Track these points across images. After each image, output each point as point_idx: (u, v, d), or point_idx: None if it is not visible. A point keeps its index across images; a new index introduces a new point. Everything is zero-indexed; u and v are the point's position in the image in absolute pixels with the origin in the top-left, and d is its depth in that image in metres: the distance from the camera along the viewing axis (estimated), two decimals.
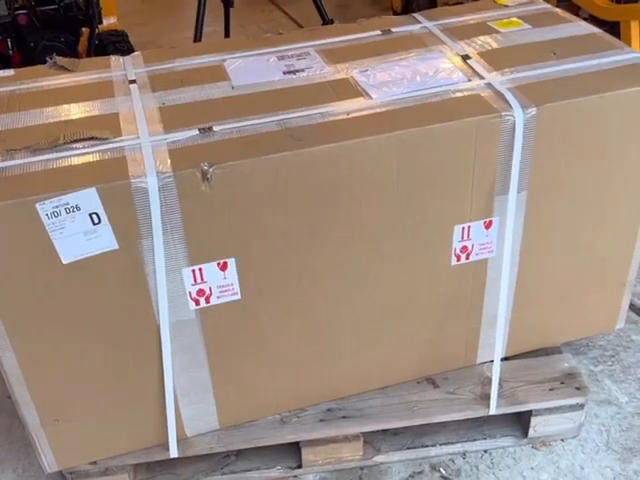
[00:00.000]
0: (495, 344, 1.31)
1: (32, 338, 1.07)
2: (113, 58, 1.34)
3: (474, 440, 1.39)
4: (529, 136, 1.13)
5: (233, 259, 1.10)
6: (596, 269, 1.35)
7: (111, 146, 1.06)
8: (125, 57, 1.35)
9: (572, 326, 1.43)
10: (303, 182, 1.07)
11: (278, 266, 1.14)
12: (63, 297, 1.05)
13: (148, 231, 1.03)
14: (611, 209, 1.28)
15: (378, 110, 1.13)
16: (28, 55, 2.33)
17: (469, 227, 1.20)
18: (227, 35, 2.27)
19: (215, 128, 1.09)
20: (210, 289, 1.12)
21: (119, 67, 1.30)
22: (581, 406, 1.35)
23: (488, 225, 1.21)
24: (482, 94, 1.15)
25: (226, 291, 1.13)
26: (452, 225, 1.19)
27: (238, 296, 1.14)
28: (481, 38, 1.33)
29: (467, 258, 1.23)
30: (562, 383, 1.36)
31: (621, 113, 1.17)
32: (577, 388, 1.35)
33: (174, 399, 1.20)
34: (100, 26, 2.40)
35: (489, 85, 1.17)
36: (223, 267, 1.10)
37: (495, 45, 1.30)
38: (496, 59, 1.25)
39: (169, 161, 1.02)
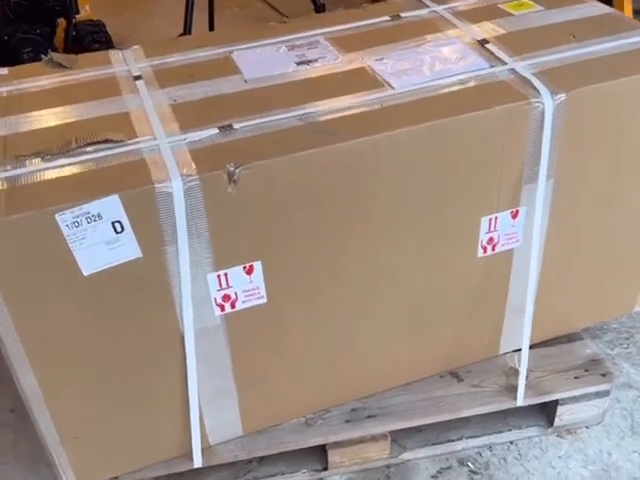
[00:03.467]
0: (522, 334, 1.29)
1: (52, 355, 1.01)
2: (112, 53, 1.27)
3: (499, 432, 1.36)
4: (557, 122, 1.10)
5: (259, 262, 1.05)
6: (617, 253, 1.33)
7: (128, 149, 1.00)
8: (125, 51, 1.28)
9: (594, 310, 1.42)
10: (332, 179, 1.02)
11: (304, 266, 1.09)
12: (84, 311, 0.99)
13: (173, 237, 0.98)
14: (632, 193, 1.26)
15: (403, 100, 1.08)
16: (3, 48, 2.23)
17: (496, 218, 1.17)
18: (211, 25, 2.18)
19: (235, 125, 1.04)
20: (236, 294, 1.07)
21: (120, 62, 1.24)
22: (607, 393, 1.34)
23: (515, 215, 1.18)
24: (507, 80, 1.12)
25: (252, 295, 1.08)
26: (479, 217, 1.16)
27: (264, 299, 1.09)
28: (495, 21, 1.29)
29: (493, 249, 1.20)
30: (586, 370, 1.35)
31: None
32: (602, 375, 1.34)
33: (198, 408, 1.16)
34: (77, 16, 2.31)
35: (513, 71, 1.14)
36: (249, 271, 1.06)
37: (511, 28, 1.26)
38: (514, 43, 1.21)
39: (192, 163, 0.97)
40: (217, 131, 1.03)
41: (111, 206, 0.92)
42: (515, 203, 1.16)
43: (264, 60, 1.22)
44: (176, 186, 0.94)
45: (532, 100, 1.07)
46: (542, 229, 1.20)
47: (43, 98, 1.14)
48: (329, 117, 1.05)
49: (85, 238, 0.93)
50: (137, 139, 1.02)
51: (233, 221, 1.00)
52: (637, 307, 1.46)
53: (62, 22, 2.31)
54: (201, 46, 1.28)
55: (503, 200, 1.15)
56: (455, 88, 1.10)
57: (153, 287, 1.02)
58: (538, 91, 1.08)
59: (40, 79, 1.20)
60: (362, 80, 1.14)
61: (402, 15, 1.34)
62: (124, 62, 1.24)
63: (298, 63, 1.20)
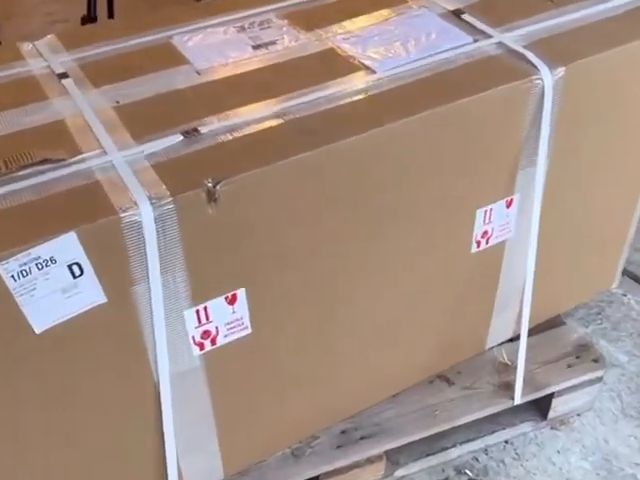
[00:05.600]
0: (508, 326, 1.20)
1: (7, 422, 0.82)
2: (24, 45, 1.05)
3: (492, 432, 1.28)
4: (556, 99, 0.99)
5: (243, 289, 0.89)
6: (601, 230, 1.26)
7: (74, 169, 0.80)
8: (38, 42, 1.06)
9: (576, 291, 1.35)
10: (322, 185, 0.87)
11: (293, 286, 0.94)
12: (39, 371, 0.80)
13: (143, 274, 0.80)
14: (620, 167, 1.18)
15: (389, 87, 0.94)
16: None
17: (491, 209, 1.05)
18: (110, 10, 1.90)
19: (202, 129, 0.86)
20: (217, 328, 0.90)
21: (35, 57, 1.02)
22: (600, 379, 1.27)
23: (509, 204, 1.07)
24: (498, 56, 0.99)
25: (235, 327, 0.92)
26: (474, 209, 1.04)
27: (248, 330, 0.93)
28: None
29: (487, 243, 1.09)
30: (577, 357, 1.28)
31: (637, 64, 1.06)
32: (594, 360, 1.27)
33: (175, 460, 0.99)
34: None
35: (501, 45, 1.01)
36: (232, 300, 0.89)
37: None
38: (491, 12, 1.09)
39: (160, 182, 0.79)
40: (181, 138, 0.85)
41: (67, 246, 0.73)
42: (510, 191, 1.05)
43: (212, 45, 1.04)
44: (145, 213, 0.76)
45: (533, 77, 0.95)
46: (537, 215, 1.09)
47: None
48: (310, 112, 0.89)
49: (35, 289, 0.74)
50: (83, 155, 0.82)
51: (213, 246, 0.83)
52: (616, 283, 1.40)
53: None
54: (130, 32, 1.07)
55: (498, 189, 1.04)
56: (443, 69, 0.97)
57: (121, 334, 0.83)
58: (535, 66, 0.97)
59: None
60: (335, 64, 0.98)
61: None
62: (40, 56, 1.02)
63: (254, 47, 1.03)
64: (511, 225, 1.10)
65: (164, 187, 0.78)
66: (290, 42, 1.04)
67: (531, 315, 1.26)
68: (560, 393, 1.25)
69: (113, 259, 0.77)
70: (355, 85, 0.94)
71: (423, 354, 1.20)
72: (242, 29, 1.08)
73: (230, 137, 0.85)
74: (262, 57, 1.00)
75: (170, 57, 1.01)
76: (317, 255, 0.93)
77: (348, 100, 0.91)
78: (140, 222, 0.76)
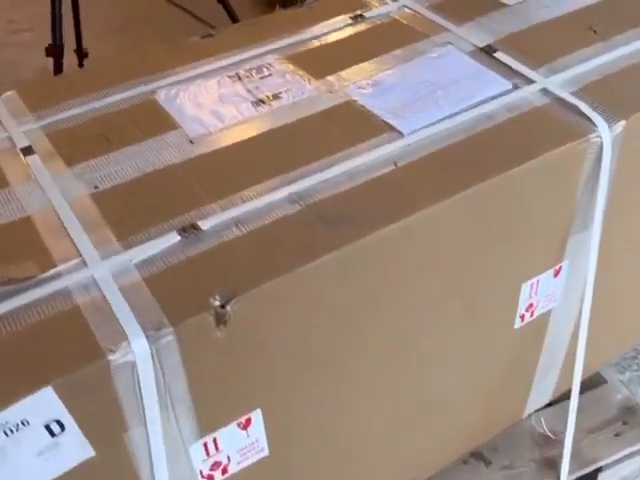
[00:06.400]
0: (547, 392, 1.06)
1: None
2: None
3: None
4: (614, 156, 0.84)
5: (258, 411, 0.74)
6: None
7: (46, 290, 0.64)
8: None
9: (619, 342, 1.21)
10: (349, 283, 0.72)
11: (313, 396, 0.79)
12: None
13: (138, 417, 0.64)
14: None
15: (422, 153, 0.78)
16: None
17: (537, 281, 0.91)
18: (79, 46, 1.71)
19: (202, 224, 0.70)
20: (228, 457, 0.75)
21: None
22: None
23: (557, 272, 0.92)
24: (545, 108, 0.84)
25: (250, 452, 0.77)
26: (520, 284, 0.89)
27: (265, 452, 0.78)
28: (488, 16, 1.00)
29: (531, 315, 0.95)
30: (625, 423, 1.14)
31: None
32: None
33: None
34: None
35: (546, 92, 0.86)
36: (245, 425, 0.74)
37: (513, 26, 0.98)
38: (528, 48, 0.93)
39: (157, 304, 0.63)
40: (177, 238, 0.69)
41: (43, 404, 0.57)
42: (559, 259, 0.91)
43: (205, 102, 0.87)
44: (139, 350, 0.60)
45: (590, 136, 0.80)
46: (591, 281, 0.95)
47: None
48: (331, 193, 0.74)
49: (5, 458, 0.58)
50: (57, 269, 0.66)
51: (222, 370, 0.68)
52: None
53: None
54: (105, 84, 0.91)
55: (546, 258, 0.90)
56: (482, 128, 0.81)
57: None
58: (591, 120, 0.82)
59: None
60: (353, 124, 0.83)
61: (365, 15, 1.03)
62: None
63: (254, 103, 0.87)
64: (557, 294, 0.95)
65: (162, 312, 0.62)
66: (297, 95, 0.88)
67: (570, 374, 1.12)
68: (609, 465, 1.12)
69: (101, 407, 0.62)
70: (380, 153, 0.78)
71: (456, 436, 1.05)
72: (238, 78, 0.91)
73: (237, 233, 0.70)
74: (266, 117, 0.84)
75: (155, 120, 0.85)
76: (340, 362, 0.78)
77: (374, 175, 0.76)
78: (133, 362, 0.60)
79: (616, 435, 1.13)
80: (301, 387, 0.76)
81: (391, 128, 0.81)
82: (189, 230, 0.69)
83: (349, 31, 1.00)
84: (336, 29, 1.00)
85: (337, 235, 0.69)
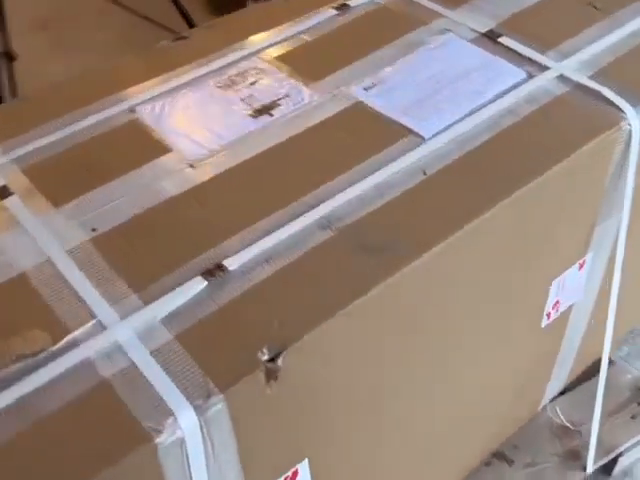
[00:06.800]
0: (561, 380, 1.02)
1: None
2: None
3: None
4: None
5: (305, 461, 0.67)
6: None
7: (64, 364, 0.55)
8: None
9: (627, 320, 1.19)
10: (399, 312, 0.65)
11: (357, 437, 0.72)
12: None
13: None
14: None
15: (449, 160, 0.71)
16: None
17: (564, 277, 0.86)
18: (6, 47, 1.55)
19: (227, 264, 0.62)
20: None
21: None
22: None
23: (581, 266, 0.88)
24: (566, 96, 0.79)
25: None
26: (550, 281, 0.84)
27: None
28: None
29: (556, 312, 0.90)
30: (639, 404, 1.12)
31: None
32: None
33: None
34: None
35: (564, 79, 0.81)
36: (292, 477, 0.67)
37: (512, 7, 0.92)
38: (530, 31, 0.88)
39: (198, 368, 0.55)
40: (203, 283, 0.60)
41: None
42: (584, 252, 0.86)
43: (197, 117, 0.78)
44: (188, 424, 0.52)
45: (622, 124, 0.75)
46: (619, 271, 0.91)
47: None
48: (363, 213, 0.66)
49: None
50: (71, 335, 0.57)
51: (270, 428, 0.60)
52: None
53: None
54: (77, 104, 0.80)
55: (572, 253, 0.85)
56: (506, 124, 0.75)
57: None
58: (617, 107, 0.77)
59: None
60: (369, 131, 0.75)
61: (350, 4, 0.95)
62: None
63: (253, 115, 0.78)
64: (580, 287, 0.91)
65: (205, 377, 0.54)
66: (297, 101, 0.79)
67: (581, 360, 1.10)
68: (628, 449, 1.10)
69: None
70: (406, 162, 0.71)
71: (480, 439, 1.01)
72: (227, 85, 0.82)
73: (269, 270, 0.62)
74: (269, 129, 0.76)
75: (142, 143, 0.75)
76: (388, 398, 0.72)
77: (404, 188, 0.69)
78: (182, 438, 0.52)
79: (632, 417, 1.11)
80: (347, 430, 0.69)
81: (410, 131, 0.75)
82: (215, 272, 0.61)
83: (337, 24, 0.92)
84: (321, 22, 0.92)
85: (383, 263, 0.62)
